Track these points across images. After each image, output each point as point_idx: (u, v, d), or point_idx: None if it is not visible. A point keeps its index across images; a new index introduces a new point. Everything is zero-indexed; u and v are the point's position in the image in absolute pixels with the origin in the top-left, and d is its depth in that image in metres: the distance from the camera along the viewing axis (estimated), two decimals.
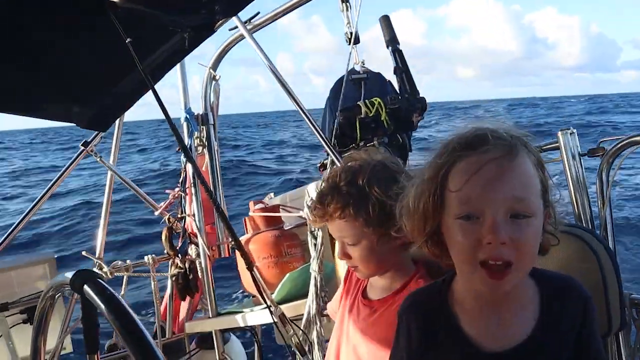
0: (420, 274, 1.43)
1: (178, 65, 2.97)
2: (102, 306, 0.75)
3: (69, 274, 0.92)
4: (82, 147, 2.81)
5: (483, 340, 1.00)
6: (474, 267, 0.94)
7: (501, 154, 0.94)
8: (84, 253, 2.91)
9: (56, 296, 1.02)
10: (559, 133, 1.63)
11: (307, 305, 2.23)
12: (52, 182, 2.78)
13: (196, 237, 2.90)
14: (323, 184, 1.48)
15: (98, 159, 2.95)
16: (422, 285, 1.33)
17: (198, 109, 3.00)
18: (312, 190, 2.58)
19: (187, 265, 2.90)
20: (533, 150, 0.99)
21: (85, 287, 0.82)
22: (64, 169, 2.81)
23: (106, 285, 0.80)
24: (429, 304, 1.10)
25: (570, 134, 1.60)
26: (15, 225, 2.73)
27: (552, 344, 0.97)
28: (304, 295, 2.45)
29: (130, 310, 0.73)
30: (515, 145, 0.96)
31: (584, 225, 1.57)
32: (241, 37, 2.88)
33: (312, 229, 2.32)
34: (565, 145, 1.61)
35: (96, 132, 2.75)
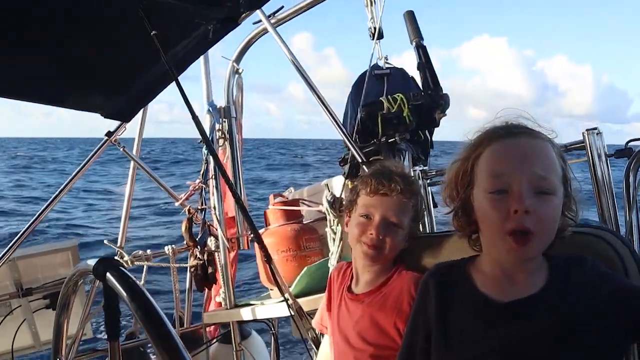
0: (401, 268, 1.60)
1: (202, 58, 2.99)
2: (124, 294, 0.76)
3: (91, 262, 0.94)
4: (106, 137, 2.84)
5: (493, 295, 1.14)
6: (503, 236, 1.07)
7: (528, 140, 1.11)
8: (105, 242, 2.96)
9: (79, 282, 1.04)
10: (585, 132, 1.60)
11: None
12: (75, 171, 2.83)
13: (216, 229, 2.93)
14: (397, 168, 1.66)
15: (122, 149, 2.99)
16: (404, 274, 1.56)
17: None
18: (334, 184, 2.58)
19: (205, 256, 2.92)
20: (555, 144, 1.14)
21: (108, 274, 0.83)
22: (87, 159, 2.85)
23: (128, 274, 0.81)
24: (450, 269, 1.27)
25: (597, 134, 1.57)
26: (38, 213, 2.79)
27: (556, 304, 1.08)
28: (321, 289, 2.46)
29: (151, 299, 0.73)
30: (539, 135, 1.13)
31: (609, 227, 1.54)
32: (264, 31, 2.88)
33: (332, 224, 2.33)
34: (591, 145, 1.58)
35: (120, 123, 2.79)
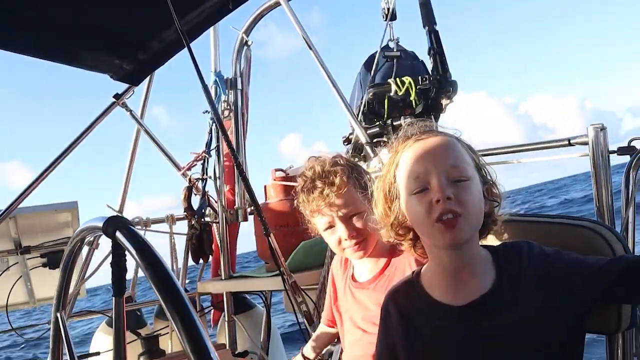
0: (396, 246, 1.56)
1: (212, 27, 2.98)
2: (134, 252, 0.78)
3: (99, 220, 0.95)
4: (114, 99, 2.84)
5: (449, 300, 1.19)
6: (432, 225, 1.13)
7: (435, 138, 1.21)
8: (106, 204, 2.98)
9: (85, 239, 1.06)
10: (589, 127, 1.61)
11: (322, 276, 2.27)
12: (81, 132, 2.82)
13: (215, 200, 2.95)
14: (313, 171, 1.60)
15: (128, 113, 2.99)
16: (403, 253, 1.54)
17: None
18: None
19: (202, 226, 2.94)
20: (461, 140, 1.24)
21: (118, 232, 0.85)
22: (93, 120, 2.85)
23: (138, 232, 0.83)
24: (404, 286, 1.31)
25: (601, 129, 1.58)
26: (41, 172, 2.79)
27: (511, 296, 1.14)
28: (316, 265, 2.49)
29: (161, 257, 0.76)
30: (444, 133, 1.24)
31: (605, 222, 1.56)
32: (276, 5, 2.87)
33: None
34: (594, 141, 1.60)
35: (128, 86, 2.78)
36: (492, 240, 1.53)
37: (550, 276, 1.14)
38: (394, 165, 1.24)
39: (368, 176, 1.64)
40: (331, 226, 1.58)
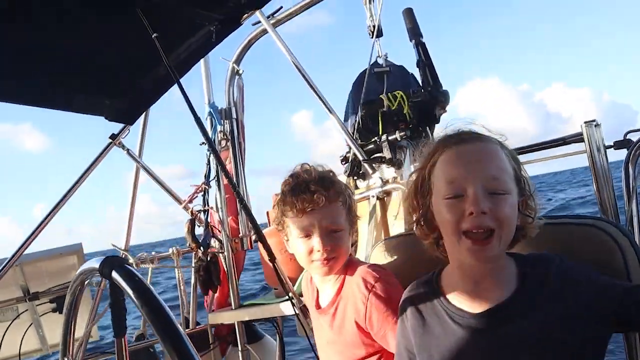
0: (348, 265, 1.57)
1: (202, 60, 3.00)
2: (130, 292, 0.78)
3: (97, 261, 0.95)
4: (110, 140, 2.85)
5: (467, 306, 1.17)
6: (459, 237, 1.11)
7: (478, 144, 1.15)
8: (112, 244, 2.98)
9: (85, 282, 1.06)
10: (583, 125, 1.61)
11: None
12: (80, 175, 2.83)
13: (219, 230, 2.94)
14: (309, 174, 1.57)
15: (125, 152, 3.00)
16: (352, 270, 1.53)
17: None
18: None
19: (208, 257, 2.93)
20: (506, 146, 1.18)
21: (114, 272, 0.85)
22: (91, 162, 2.86)
23: (134, 271, 0.83)
24: (422, 288, 1.29)
25: (595, 125, 1.58)
26: (43, 219, 2.79)
27: (531, 307, 1.12)
28: None
29: (157, 295, 0.75)
30: (489, 139, 1.17)
31: (609, 218, 1.55)
32: (264, 32, 2.90)
33: None
34: (589, 137, 1.59)
35: (124, 125, 2.80)
36: None
37: (574, 290, 1.12)
38: (431, 163, 1.21)
39: (353, 200, 1.63)
40: (307, 235, 1.54)
